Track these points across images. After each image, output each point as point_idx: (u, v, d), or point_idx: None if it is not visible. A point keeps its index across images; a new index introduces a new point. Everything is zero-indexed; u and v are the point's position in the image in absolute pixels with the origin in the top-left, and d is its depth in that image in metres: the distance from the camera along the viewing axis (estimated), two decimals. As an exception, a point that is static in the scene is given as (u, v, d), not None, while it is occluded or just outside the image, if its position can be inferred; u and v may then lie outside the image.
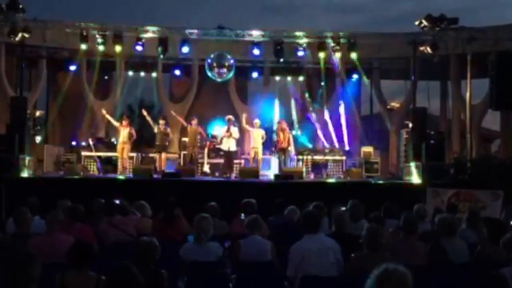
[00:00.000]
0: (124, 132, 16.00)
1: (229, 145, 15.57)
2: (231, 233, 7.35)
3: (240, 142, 17.11)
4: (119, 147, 16.12)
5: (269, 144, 17.22)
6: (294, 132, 18.18)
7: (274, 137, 16.94)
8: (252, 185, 13.60)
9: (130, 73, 20.21)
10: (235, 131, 15.69)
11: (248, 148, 17.49)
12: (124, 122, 16.15)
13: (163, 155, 16.11)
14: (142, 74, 20.42)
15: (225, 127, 15.76)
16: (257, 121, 16.14)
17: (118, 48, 18.12)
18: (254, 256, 5.76)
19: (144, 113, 16.27)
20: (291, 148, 16.06)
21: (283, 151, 15.70)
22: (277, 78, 21.02)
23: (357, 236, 5.68)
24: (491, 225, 6.04)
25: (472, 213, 7.35)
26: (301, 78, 20.59)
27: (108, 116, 16.67)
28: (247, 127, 16.10)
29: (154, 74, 20.43)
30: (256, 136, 15.91)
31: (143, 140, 18.29)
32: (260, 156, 16.04)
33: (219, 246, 5.84)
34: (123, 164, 16.10)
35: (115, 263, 3.87)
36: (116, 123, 16.43)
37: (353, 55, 18.49)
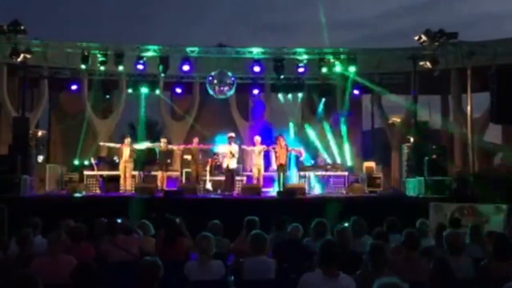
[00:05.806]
0: (126, 151, 16.07)
1: (228, 162, 15.61)
2: (235, 251, 7.31)
3: (241, 159, 17.12)
4: (121, 165, 16.17)
5: (268, 161, 17.12)
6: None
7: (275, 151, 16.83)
8: (254, 202, 13.56)
9: (132, 91, 20.30)
10: (235, 149, 15.67)
11: (250, 165, 17.45)
12: (126, 141, 16.24)
13: (165, 173, 16.10)
14: (144, 92, 20.50)
15: (226, 145, 15.78)
16: (257, 138, 16.12)
17: (119, 67, 18.25)
18: (258, 275, 5.71)
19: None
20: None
21: (282, 166, 15.63)
22: (278, 94, 21.07)
23: (360, 252, 5.63)
24: (496, 240, 5.98)
25: (475, 228, 7.32)
26: (301, 94, 20.63)
27: (107, 144, 17.31)
28: (248, 148, 16.43)
29: (155, 92, 20.49)
30: (258, 153, 15.89)
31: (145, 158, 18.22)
32: (262, 172, 16.01)
33: (222, 265, 5.81)
34: (126, 183, 16.08)
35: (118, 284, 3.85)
36: (117, 145, 16.67)
37: (354, 71, 18.57)
